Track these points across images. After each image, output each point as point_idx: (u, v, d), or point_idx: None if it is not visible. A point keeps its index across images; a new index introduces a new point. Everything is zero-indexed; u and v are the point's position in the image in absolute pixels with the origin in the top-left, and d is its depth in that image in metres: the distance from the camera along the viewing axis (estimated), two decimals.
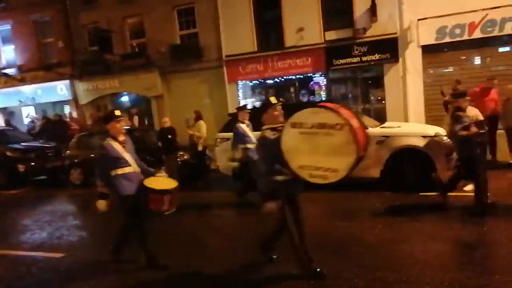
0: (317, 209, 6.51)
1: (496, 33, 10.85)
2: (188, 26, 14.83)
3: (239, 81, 13.99)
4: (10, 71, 17.10)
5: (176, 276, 4.26)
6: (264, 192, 3.70)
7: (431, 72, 11.87)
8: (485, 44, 11.19)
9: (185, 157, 9.81)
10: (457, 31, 11.18)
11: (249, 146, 6.68)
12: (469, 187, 6.61)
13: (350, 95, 13.16)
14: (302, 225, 3.83)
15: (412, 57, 11.76)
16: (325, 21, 12.70)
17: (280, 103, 3.89)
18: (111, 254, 4.62)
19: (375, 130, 7.35)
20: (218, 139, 8.74)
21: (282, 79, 13.66)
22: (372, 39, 12.01)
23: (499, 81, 9.22)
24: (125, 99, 16.34)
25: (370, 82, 12.89)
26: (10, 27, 17.12)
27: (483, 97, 8.92)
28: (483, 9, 10.75)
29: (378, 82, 12.49)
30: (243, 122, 6.97)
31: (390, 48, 11.88)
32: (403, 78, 11.82)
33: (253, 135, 6.75)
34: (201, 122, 9.68)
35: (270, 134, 3.71)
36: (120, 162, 4.28)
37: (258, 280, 4.03)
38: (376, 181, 7.12)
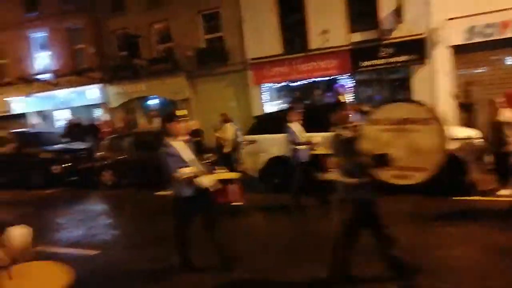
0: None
1: None
2: (213, 30, 15.09)
3: (263, 84, 14.10)
4: (45, 76, 17.83)
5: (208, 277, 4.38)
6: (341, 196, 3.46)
7: (461, 73, 11.61)
8: None
9: (213, 159, 9.99)
10: (488, 30, 10.90)
11: (298, 146, 6.57)
12: (505, 191, 6.43)
13: (376, 97, 13.02)
14: (383, 231, 3.56)
15: (441, 58, 11.55)
16: (350, 22, 12.65)
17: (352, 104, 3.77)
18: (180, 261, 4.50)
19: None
20: (244, 142, 8.86)
21: (307, 82, 13.67)
22: (398, 40, 11.87)
23: None
24: (152, 102, 16.73)
25: (397, 83, 12.72)
26: (45, 34, 17.90)
27: None
28: None
29: (405, 84, 12.32)
30: (292, 122, 6.74)
31: (417, 49, 11.71)
32: (431, 79, 11.62)
33: (301, 136, 6.67)
34: (228, 125, 9.83)
35: (344, 134, 3.51)
36: (180, 162, 4.14)
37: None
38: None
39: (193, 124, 10.18)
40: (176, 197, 4.23)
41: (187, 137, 4.38)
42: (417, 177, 3.20)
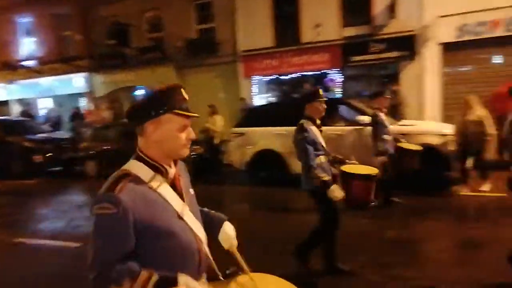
0: None
1: None
2: (206, 20, 14.86)
3: (254, 77, 13.97)
4: (29, 63, 17.39)
5: None
6: None
7: (449, 70, 11.66)
8: (508, 42, 10.91)
9: (200, 150, 9.86)
10: (479, 28, 10.94)
11: (386, 137, 5.88)
12: (484, 187, 6.56)
13: (364, 93, 13.01)
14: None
15: (430, 55, 11.57)
16: (343, 17, 12.57)
17: None
18: (297, 256, 3.90)
19: (391, 128, 7.30)
20: (233, 134, 8.76)
21: (297, 76, 13.58)
22: (390, 36, 11.84)
23: None
24: (140, 92, 16.48)
25: (386, 79, 12.72)
26: (30, 20, 17.42)
27: (507, 97, 8.76)
28: (506, 7, 10.48)
29: (394, 80, 12.32)
30: (381, 110, 6.01)
31: (408, 45, 11.69)
32: (420, 76, 11.64)
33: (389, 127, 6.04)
34: (217, 116, 9.71)
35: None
36: (317, 148, 3.64)
37: None
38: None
39: None
40: (319, 191, 3.58)
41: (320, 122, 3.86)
42: None
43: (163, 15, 15.25)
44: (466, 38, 11.11)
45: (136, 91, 16.47)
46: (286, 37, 13.43)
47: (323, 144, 3.72)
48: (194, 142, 7.97)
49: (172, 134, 1.45)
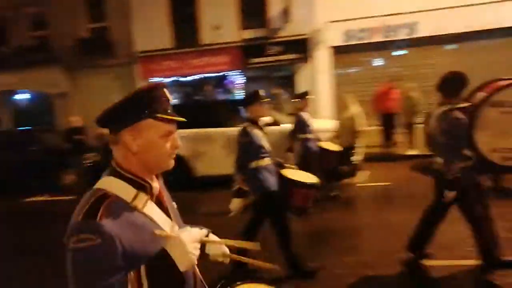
0: None
1: (393, 37, 11.94)
2: (98, 19, 13.89)
3: (152, 79, 13.48)
4: None
5: None
6: (449, 180, 3.30)
7: (340, 72, 12.67)
8: (384, 47, 12.22)
9: (96, 158, 9.18)
10: (362, 34, 12.07)
11: (309, 136, 6.10)
12: (357, 178, 7.18)
13: (265, 94, 13.43)
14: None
15: (322, 58, 12.42)
16: (242, 19, 12.81)
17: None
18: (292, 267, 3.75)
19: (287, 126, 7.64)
20: None
21: (199, 77, 13.48)
22: (285, 39, 12.41)
23: (397, 81, 10.21)
24: (22, 96, 14.79)
25: (283, 81, 13.30)
26: None
27: (386, 96, 9.88)
28: (383, 15, 11.73)
29: (290, 82, 12.95)
30: (304, 110, 6.25)
31: (301, 48, 12.38)
32: (313, 77, 12.42)
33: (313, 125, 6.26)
34: None
35: (460, 115, 3.30)
36: (261, 151, 3.66)
37: None
38: None
39: (76, 121, 9.23)
40: (263, 193, 3.65)
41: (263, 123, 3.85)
42: None
43: (46, 11, 13.87)
44: (352, 42, 12.18)
45: (16, 95, 14.74)
46: (185, 38, 13.22)
47: (268, 146, 3.75)
48: (89, 149, 7.32)
49: (155, 143, 1.23)
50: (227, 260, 1.54)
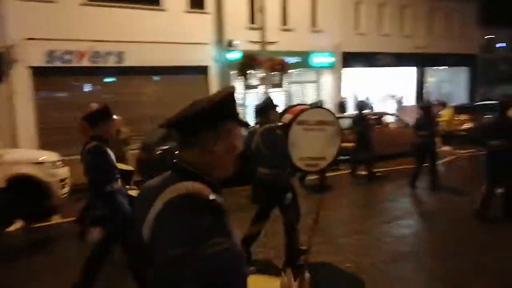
0: None
1: (102, 64, 11.83)
2: None
3: None
4: None
5: None
6: (283, 185, 4.15)
7: (44, 95, 11.41)
8: (95, 73, 11.92)
9: None
10: (67, 57, 11.33)
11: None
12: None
13: None
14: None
15: (21, 78, 10.85)
16: None
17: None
18: None
19: None
20: None
21: None
22: None
23: (109, 109, 10.02)
24: None
25: None
26: None
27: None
28: (90, 40, 11.43)
29: None
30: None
31: None
32: (11, 99, 10.68)
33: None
34: None
35: (279, 131, 4.05)
36: (115, 172, 3.54)
37: None
38: None
39: None
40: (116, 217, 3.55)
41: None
42: (320, 165, 4.16)
43: None
44: (56, 64, 11.24)
45: None
46: None
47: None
48: None
49: (234, 146, 1.20)
50: None
